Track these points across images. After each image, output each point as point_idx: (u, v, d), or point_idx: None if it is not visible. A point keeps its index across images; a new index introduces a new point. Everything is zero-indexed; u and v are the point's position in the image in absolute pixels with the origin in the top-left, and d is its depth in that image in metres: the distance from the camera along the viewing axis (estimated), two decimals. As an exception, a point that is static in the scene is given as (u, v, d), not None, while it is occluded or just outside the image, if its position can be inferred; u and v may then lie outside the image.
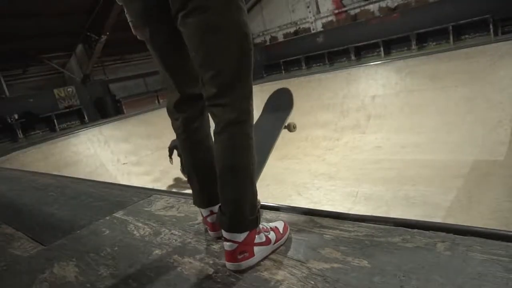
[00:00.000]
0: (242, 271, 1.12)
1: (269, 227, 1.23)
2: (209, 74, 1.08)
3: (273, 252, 1.20)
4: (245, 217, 1.12)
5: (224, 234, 1.13)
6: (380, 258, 1.04)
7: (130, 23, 1.26)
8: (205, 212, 1.36)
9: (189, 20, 1.05)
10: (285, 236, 1.26)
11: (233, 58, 1.07)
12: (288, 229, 1.29)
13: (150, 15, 1.15)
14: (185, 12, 1.04)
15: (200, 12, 1.02)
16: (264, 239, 1.17)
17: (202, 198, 1.35)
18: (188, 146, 1.32)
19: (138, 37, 1.29)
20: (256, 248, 1.14)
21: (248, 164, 1.12)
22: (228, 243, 1.12)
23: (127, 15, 1.25)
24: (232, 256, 1.12)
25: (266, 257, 1.17)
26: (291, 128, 1.64)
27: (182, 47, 1.18)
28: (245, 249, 1.12)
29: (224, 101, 1.08)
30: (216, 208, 1.30)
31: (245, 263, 1.12)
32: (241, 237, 1.11)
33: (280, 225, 1.28)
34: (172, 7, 1.08)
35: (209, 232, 1.39)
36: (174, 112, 1.29)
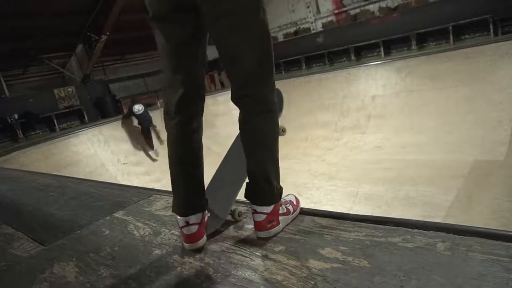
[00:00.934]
0: (270, 238, 1.28)
1: (288, 200, 1.41)
2: (239, 68, 1.19)
3: (292, 221, 1.37)
4: (274, 191, 1.29)
5: (255, 207, 1.28)
6: (380, 258, 1.04)
7: (150, 18, 1.26)
8: (181, 222, 1.30)
9: (221, 20, 1.14)
10: (298, 208, 1.43)
11: (260, 54, 1.18)
12: (299, 201, 1.46)
13: (172, 11, 1.19)
14: (218, 13, 1.13)
15: (233, 13, 1.12)
16: (285, 210, 1.35)
17: (184, 205, 1.31)
18: (180, 147, 1.32)
19: (154, 33, 1.30)
20: (280, 218, 1.32)
21: (275, 146, 1.28)
22: (257, 215, 1.28)
23: (148, 7, 1.24)
24: (261, 225, 1.28)
25: (266, 257, 1.18)
26: (280, 131, 1.55)
27: (195, 45, 1.26)
28: (272, 218, 1.29)
29: (251, 92, 1.20)
30: (192, 219, 1.28)
31: (274, 231, 1.29)
32: (269, 209, 1.27)
33: (292, 198, 1.45)
34: (203, 7, 1.14)
35: (184, 244, 1.32)
36: (172, 112, 1.29)
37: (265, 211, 1.27)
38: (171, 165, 1.35)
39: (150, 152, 8.49)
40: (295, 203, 1.43)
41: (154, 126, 8.52)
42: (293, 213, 1.38)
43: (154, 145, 8.50)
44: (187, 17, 1.19)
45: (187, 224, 1.29)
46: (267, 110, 1.23)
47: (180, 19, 1.20)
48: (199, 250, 1.30)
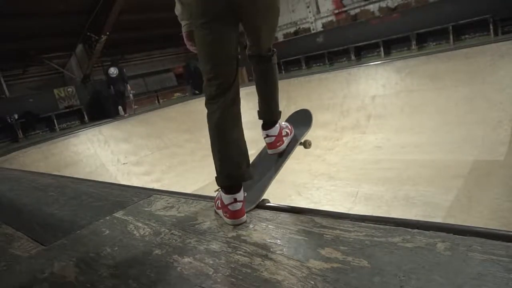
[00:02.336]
0: (280, 153, 1.81)
1: (285, 126, 1.86)
2: (263, 33, 1.57)
3: (290, 141, 1.87)
4: (278, 111, 1.80)
5: (267, 132, 1.77)
6: (380, 258, 1.04)
7: (204, 21, 1.39)
8: (228, 199, 1.44)
9: (259, 4, 1.43)
10: (293, 131, 1.90)
11: (276, 23, 1.63)
12: (293, 127, 1.92)
13: (225, 11, 1.38)
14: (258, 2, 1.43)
15: None
16: (285, 132, 1.84)
17: (233, 183, 1.48)
18: (223, 128, 1.46)
19: (198, 35, 1.44)
20: (284, 138, 1.81)
21: (278, 84, 1.77)
22: (269, 138, 1.78)
23: (201, 9, 1.37)
24: (273, 145, 1.79)
25: (266, 257, 1.18)
26: (306, 145, 1.69)
27: (234, 40, 1.46)
28: (280, 138, 1.79)
29: (267, 46, 1.65)
30: (239, 196, 1.45)
31: (281, 147, 1.80)
32: (276, 131, 1.77)
33: (287, 124, 1.91)
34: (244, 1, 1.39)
35: (227, 219, 1.47)
36: (214, 96, 1.45)
37: (274, 134, 1.76)
38: (218, 148, 1.47)
39: (125, 115, 8.58)
40: (290, 127, 1.89)
41: (126, 92, 8.36)
42: (290, 134, 1.87)
43: (127, 112, 8.61)
44: (233, 15, 1.40)
45: (235, 201, 1.45)
46: (272, 57, 1.69)
47: (229, 18, 1.40)
48: (241, 225, 1.45)
